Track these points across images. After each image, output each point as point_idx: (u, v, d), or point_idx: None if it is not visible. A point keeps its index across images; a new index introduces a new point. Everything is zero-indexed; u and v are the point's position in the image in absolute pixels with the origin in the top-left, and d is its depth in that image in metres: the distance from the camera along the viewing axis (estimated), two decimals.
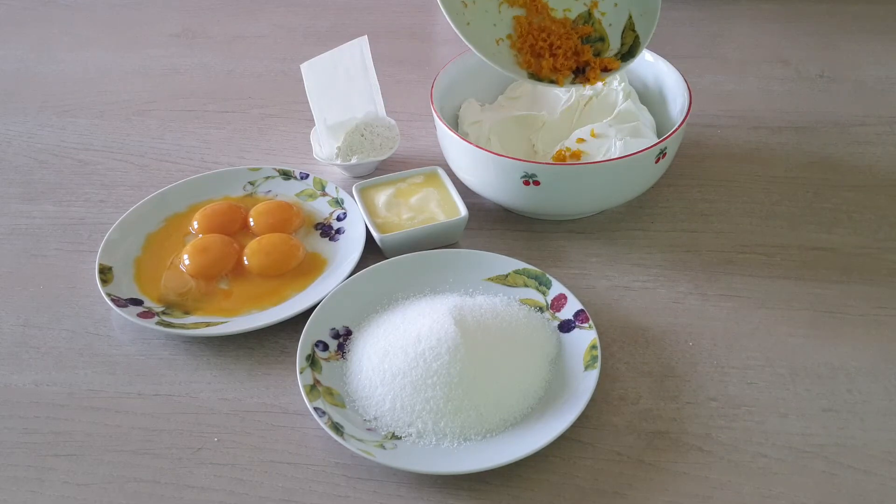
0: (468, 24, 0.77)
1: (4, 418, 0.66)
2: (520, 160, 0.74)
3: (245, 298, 0.74)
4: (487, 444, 0.61)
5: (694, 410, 0.64)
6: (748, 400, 0.65)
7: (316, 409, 0.63)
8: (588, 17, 0.80)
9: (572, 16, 0.80)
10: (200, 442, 0.64)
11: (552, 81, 0.77)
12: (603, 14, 0.80)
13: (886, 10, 1.15)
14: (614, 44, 0.80)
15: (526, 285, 0.72)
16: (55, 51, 1.13)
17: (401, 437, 0.62)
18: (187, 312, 0.73)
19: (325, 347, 0.68)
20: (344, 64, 0.86)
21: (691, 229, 0.80)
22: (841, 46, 1.08)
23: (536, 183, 0.74)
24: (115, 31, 1.18)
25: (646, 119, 0.83)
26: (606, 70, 0.78)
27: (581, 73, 0.78)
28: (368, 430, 0.62)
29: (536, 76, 0.77)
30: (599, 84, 0.81)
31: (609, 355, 0.69)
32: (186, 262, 0.76)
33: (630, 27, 0.79)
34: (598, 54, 0.79)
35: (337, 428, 0.61)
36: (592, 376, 0.64)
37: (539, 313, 0.70)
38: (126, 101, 1.02)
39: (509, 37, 0.79)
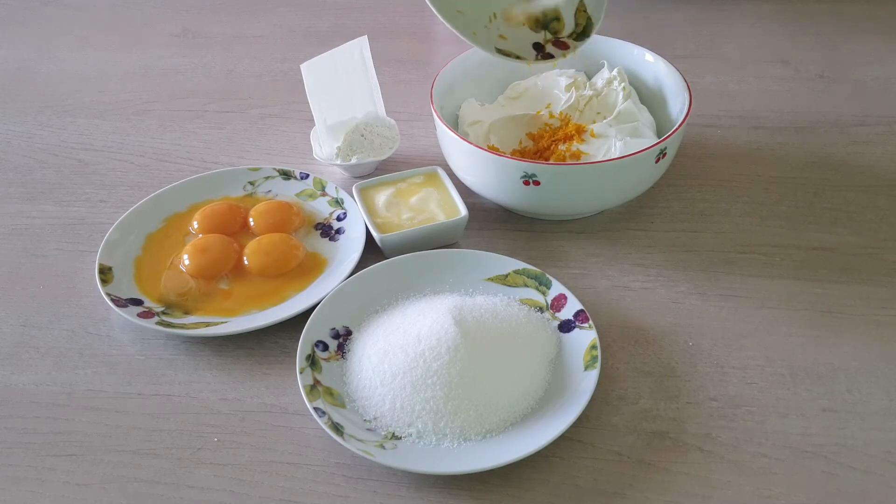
0: None
1: (4, 418, 0.66)
2: (520, 160, 0.74)
3: (245, 298, 0.74)
4: (487, 444, 0.61)
5: (694, 410, 0.64)
6: (748, 400, 0.65)
7: (316, 409, 0.63)
8: None
9: None
10: (200, 442, 0.64)
11: (518, 58, 0.79)
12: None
13: (886, 10, 1.15)
14: (569, 24, 0.82)
15: (526, 285, 0.72)
16: (55, 51, 1.13)
17: (401, 437, 0.62)
18: (187, 312, 0.73)
19: (325, 347, 0.68)
20: (344, 64, 0.86)
21: (691, 229, 0.80)
22: (841, 46, 1.08)
23: (536, 183, 0.74)
24: (115, 31, 1.18)
25: (646, 119, 0.83)
26: (563, 47, 0.81)
27: (541, 50, 0.82)
28: (368, 430, 0.62)
29: (504, 52, 0.79)
30: (602, 83, 0.83)
31: (609, 355, 0.69)
32: (186, 262, 0.76)
33: (582, 9, 0.82)
34: (555, 33, 0.82)
35: (337, 428, 0.61)
36: (592, 376, 0.64)
37: (539, 313, 0.70)
38: (126, 101, 1.02)
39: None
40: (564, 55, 0.81)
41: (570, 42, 0.81)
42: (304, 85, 0.86)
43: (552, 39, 0.81)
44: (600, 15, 0.81)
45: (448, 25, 0.77)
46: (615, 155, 0.77)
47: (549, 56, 0.80)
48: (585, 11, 0.82)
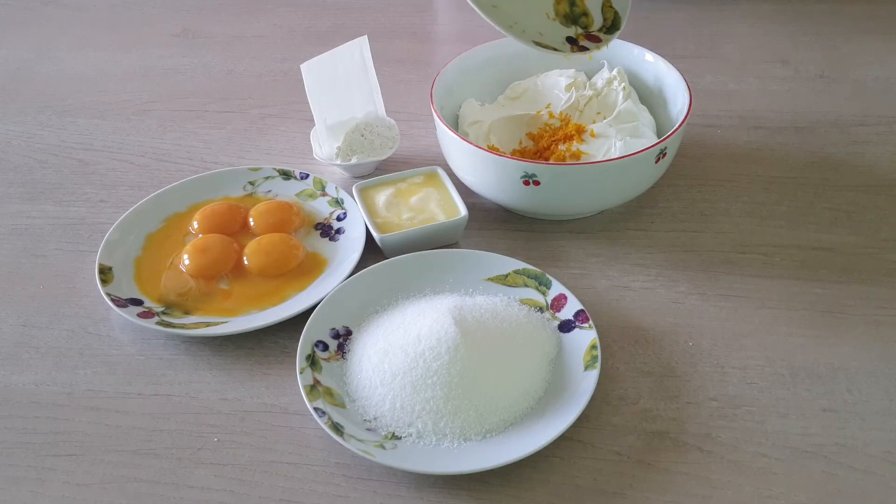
0: None
1: (4, 418, 0.66)
2: (520, 160, 0.74)
3: (245, 298, 0.74)
4: (487, 444, 0.61)
5: (694, 410, 0.64)
6: (748, 400, 0.65)
7: (316, 409, 0.63)
8: None
9: None
10: (200, 442, 0.64)
11: (556, 49, 0.79)
12: (582, 0, 0.83)
13: (886, 10, 1.15)
14: (597, 19, 0.83)
15: (526, 285, 0.72)
16: (55, 51, 1.13)
17: (401, 437, 0.62)
18: (187, 312, 0.73)
19: (325, 347, 0.68)
20: (344, 64, 0.86)
21: (691, 229, 0.80)
22: (841, 46, 1.08)
23: (536, 183, 0.74)
24: (115, 31, 1.18)
25: (646, 119, 0.83)
26: (596, 40, 0.82)
27: (574, 43, 0.82)
28: (368, 430, 0.62)
29: (542, 44, 0.79)
30: (602, 83, 0.84)
31: (609, 355, 0.69)
32: (186, 262, 0.76)
33: (608, 4, 0.83)
34: (585, 28, 0.82)
35: (337, 428, 0.61)
36: (592, 376, 0.64)
37: (539, 313, 0.70)
38: (126, 101, 1.02)
39: None
40: (598, 48, 0.81)
41: (601, 35, 0.82)
42: (304, 85, 0.86)
43: (584, 34, 0.82)
44: (626, 8, 0.82)
45: (486, 18, 0.78)
46: (615, 155, 0.77)
47: (584, 49, 0.81)
48: (612, 7, 0.82)
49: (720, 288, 0.74)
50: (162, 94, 1.03)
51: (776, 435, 0.63)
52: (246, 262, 0.77)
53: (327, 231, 0.80)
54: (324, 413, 0.62)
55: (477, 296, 0.71)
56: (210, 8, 1.23)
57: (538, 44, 0.79)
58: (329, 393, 0.65)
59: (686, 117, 0.77)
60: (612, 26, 0.82)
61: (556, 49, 0.80)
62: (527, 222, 0.82)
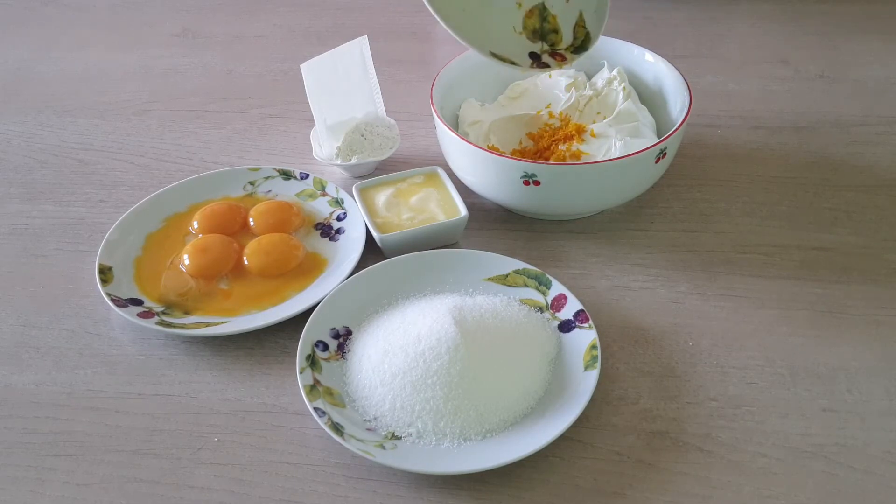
0: None
1: (4, 418, 0.66)
2: (520, 160, 0.74)
3: (245, 298, 0.74)
4: (487, 444, 0.61)
5: (694, 410, 0.64)
6: (748, 400, 0.65)
7: (316, 409, 0.63)
8: (543, 9, 0.81)
9: (526, 7, 0.81)
10: (200, 442, 0.64)
11: (513, 63, 0.78)
12: (554, 17, 0.82)
13: (886, 10, 1.15)
14: (567, 37, 0.82)
15: (526, 285, 0.72)
16: (55, 51, 1.14)
17: (401, 437, 0.62)
18: (187, 312, 0.73)
19: (325, 347, 0.68)
20: (344, 64, 0.86)
21: (691, 229, 0.80)
22: (841, 46, 1.08)
23: (536, 183, 0.74)
24: (115, 31, 1.18)
25: (646, 119, 0.83)
26: (560, 59, 0.81)
27: (537, 59, 0.81)
28: (368, 430, 0.62)
29: (499, 56, 0.78)
30: (602, 83, 0.83)
31: (609, 355, 0.69)
32: (186, 262, 0.76)
33: (581, 24, 0.82)
34: (552, 45, 0.82)
35: (337, 428, 0.61)
36: (592, 376, 0.64)
37: (539, 313, 0.70)
38: (126, 101, 1.02)
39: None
40: (560, 66, 0.81)
41: (567, 54, 0.81)
42: (304, 85, 0.86)
43: (549, 51, 0.81)
44: (599, 30, 0.80)
45: (444, 25, 0.77)
46: (615, 155, 0.77)
47: (545, 66, 0.80)
48: (584, 27, 0.81)
49: (720, 288, 0.74)
50: (162, 94, 1.03)
51: (776, 435, 0.63)
52: (246, 262, 0.77)
53: (327, 231, 0.80)
54: (324, 413, 0.62)
55: (477, 296, 0.71)
56: (210, 8, 1.23)
57: (495, 55, 0.79)
58: (329, 393, 0.65)
59: (686, 117, 0.77)
60: (580, 46, 0.81)
61: (514, 63, 0.79)
62: (527, 222, 0.82)
